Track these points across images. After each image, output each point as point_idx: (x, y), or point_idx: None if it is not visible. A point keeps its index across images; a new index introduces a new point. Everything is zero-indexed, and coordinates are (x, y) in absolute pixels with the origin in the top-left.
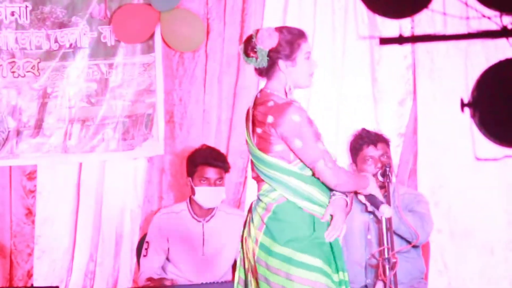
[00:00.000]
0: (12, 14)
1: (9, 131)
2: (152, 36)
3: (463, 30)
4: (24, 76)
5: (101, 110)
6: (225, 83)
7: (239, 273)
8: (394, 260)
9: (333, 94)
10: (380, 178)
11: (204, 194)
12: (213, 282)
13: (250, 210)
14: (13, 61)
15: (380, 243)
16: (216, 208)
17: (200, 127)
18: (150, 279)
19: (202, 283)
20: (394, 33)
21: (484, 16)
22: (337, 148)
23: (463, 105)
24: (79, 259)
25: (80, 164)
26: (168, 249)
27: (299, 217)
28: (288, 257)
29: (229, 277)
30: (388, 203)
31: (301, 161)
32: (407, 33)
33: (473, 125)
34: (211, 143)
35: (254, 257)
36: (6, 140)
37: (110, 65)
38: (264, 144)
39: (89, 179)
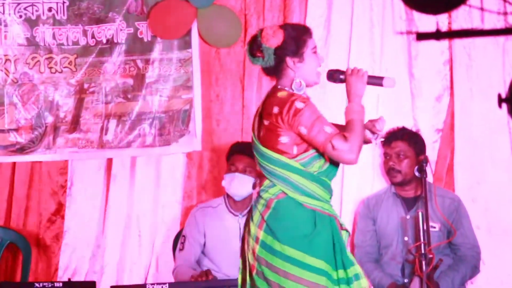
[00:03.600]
0: (50, 10)
1: (46, 126)
2: (188, 32)
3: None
4: (61, 71)
5: (137, 106)
6: (264, 79)
7: (242, 275)
8: (430, 256)
9: (371, 90)
10: (417, 174)
11: (230, 180)
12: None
13: (250, 209)
14: (51, 57)
15: (416, 241)
16: (252, 202)
17: (238, 123)
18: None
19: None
20: (431, 29)
21: None
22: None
23: (500, 100)
24: (111, 254)
25: (111, 160)
26: (204, 243)
27: (300, 213)
28: (289, 256)
29: None
30: (425, 198)
31: (307, 154)
32: (444, 28)
33: (511, 120)
34: (250, 139)
35: (254, 255)
36: (43, 135)
37: (147, 61)
38: (271, 136)
39: (122, 175)
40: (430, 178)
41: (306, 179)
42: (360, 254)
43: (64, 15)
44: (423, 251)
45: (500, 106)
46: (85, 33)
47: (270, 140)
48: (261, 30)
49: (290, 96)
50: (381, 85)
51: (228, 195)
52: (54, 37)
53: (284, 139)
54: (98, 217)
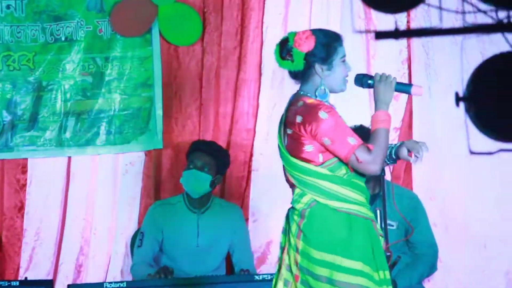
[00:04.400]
0: (8, 7)
1: (4, 124)
2: (149, 30)
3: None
4: (19, 69)
5: (97, 104)
6: (223, 77)
7: (277, 285)
8: (388, 254)
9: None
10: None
11: (188, 177)
12: (207, 276)
13: (287, 218)
14: (9, 54)
15: None
16: (211, 200)
17: (196, 121)
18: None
19: (195, 276)
20: (390, 28)
21: (479, 10)
22: None
23: (458, 99)
24: (68, 253)
25: (71, 158)
26: (163, 240)
27: (334, 218)
28: (328, 262)
29: (223, 270)
30: (383, 196)
31: (334, 160)
32: (402, 27)
33: (468, 119)
34: (209, 137)
35: (297, 265)
36: (1, 133)
37: (106, 59)
38: (295, 145)
39: (81, 173)
40: (388, 176)
41: (337, 184)
42: None
43: (22, 12)
44: None
45: (457, 104)
46: (44, 30)
47: (295, 149)
48: (294, 34)
49: (314, 105)
50: (409, 93)
51: (187, 193)
52: (12, 34)
53: (308, 147)
54: (58, 215)
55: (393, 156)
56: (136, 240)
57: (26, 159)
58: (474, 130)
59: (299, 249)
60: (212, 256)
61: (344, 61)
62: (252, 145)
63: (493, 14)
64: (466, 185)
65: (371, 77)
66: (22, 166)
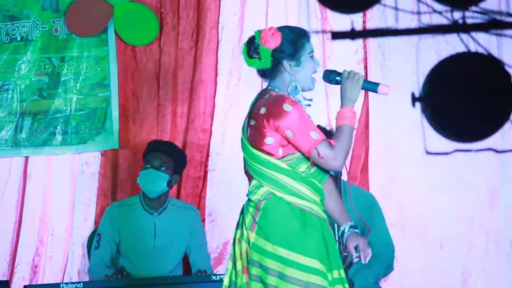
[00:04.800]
0: None
1: None
2: (105, 30)
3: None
4: None
5: (53, 104)
6: (180, 77)
7: (231, 277)
8: (345, 254)
9: None
10: (332, 172)
11: (145, 177)
12: (165, 276)
13: (242, 211)
14: None
15: None
16: (168, 201)
17: (154, 121)
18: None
19: (153, 277)
20: (346, 28)
21: (435, 11)
22: None
23: (414, 99)
24: (24, 253)
25: (28, 158)
26: (120, 241)
27: (289, 212)
28: (282, 256)
29: (180, 271)
30: (340, 196)
31: (295, 156)
32: (358, 27)
33: (424, 119)
34: (167, 137)
35: (247, 257)
36: None
37: (62, 59)
38: (256, 136)
39: (38, 173)
40: (344, 176)
41: (294, 180)
42: None
43: None
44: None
45: (414, 105)
46: None
47: (257, 140)
48: (259, 32)
49: (279, 97)
50: (375, 91)
51: (144, 194)
52: None
53: (269, 140)
54: (13, 216)
55: (340, 236)
56: (93, 241)
57: None
58: (430, 130)
59: (251, 242)
60: (169, 257)
61: (312, 56)
62: (209, 145)
63: (449, 15)
64: (423, 185)
65: (339, 74)
66: None
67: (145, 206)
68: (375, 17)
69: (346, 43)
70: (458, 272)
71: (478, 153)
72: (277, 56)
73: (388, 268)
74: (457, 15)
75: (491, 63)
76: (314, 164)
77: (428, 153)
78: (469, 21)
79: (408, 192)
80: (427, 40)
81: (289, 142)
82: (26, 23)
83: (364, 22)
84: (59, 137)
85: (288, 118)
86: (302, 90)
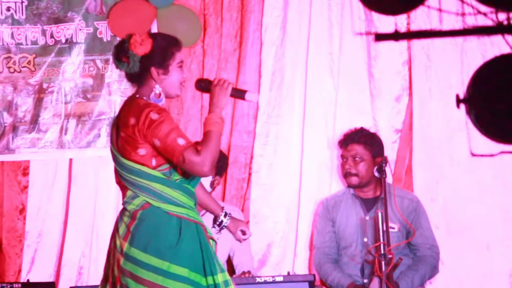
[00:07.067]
0: (8, 9)
1: (5, 126)
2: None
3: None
4: (20, 71)
5: (97, 106)
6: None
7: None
8: (390, 256)
9: (330, 90)
10: (377, 174)
11: None
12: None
13: (116, 221)
14: (9, 56)
15: (376, 242)
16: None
17: (198, 123)
18: None
19: None
20: (390, 29)
21: (479, 12)
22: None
23: (458, 101)
24: (71, 255)
25: (72, 160)
26: None
27: (165, 223)
28: (155, 266)
29: None
30: (385, 199)
31: (168, 166)
32: (403, 29)
33: (469, 121)
34: None
35: (119, 268)
36: (2, 135)
37: (106, 61)
38: (128, 148)
39: (83, 175)
40: (389, 179)
41: (169, 188)
42: (319, 255)
43: (22, 14)
44: (382, 252)
45: (458, 106)
46: (44, 32)
47: (129, 151)
48: (130, 36)
49: (146, 106)
50: (243, 98)
51: None
52: (12, 36)
53: (142, 151)
54: (59, 217)
55: (217, 223)
56: None
57: (28, 161)
58: (475, 132)
59: (124, 251)
60: None
61: (181, 66)
62: (253, 146)
63: (493, 16)
64: (468, 187)
65: (210, 82)
66: (24, 168)
67: None
68: (419, 19)
69: (391, 44)
70: (505, 274)
71: None
72: (146, 63)
73: (433, 271)
74: (502, 16)
75: None
76: (182, 170)
77: (473, 155)
78: None
79: (453, 194)
80: (471, 41)
81: (158, 150)
82: (71, 26)
83: (408, 23)
84: (103, 139)
85: (155, 127)
86: (169, 97)
